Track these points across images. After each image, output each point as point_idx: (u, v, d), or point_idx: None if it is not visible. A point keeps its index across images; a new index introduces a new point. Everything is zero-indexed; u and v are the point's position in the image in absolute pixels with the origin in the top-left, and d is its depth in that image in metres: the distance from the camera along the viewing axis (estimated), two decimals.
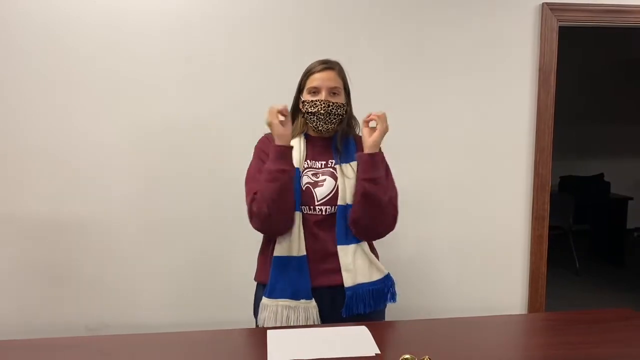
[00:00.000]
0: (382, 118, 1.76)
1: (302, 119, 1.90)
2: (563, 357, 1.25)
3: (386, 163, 1.87)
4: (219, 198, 2.54)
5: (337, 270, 1.78)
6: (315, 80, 1.83)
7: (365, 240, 1.86)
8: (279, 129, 1.72)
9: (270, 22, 2.54)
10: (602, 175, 5.89)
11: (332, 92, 1.83)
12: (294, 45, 2.55)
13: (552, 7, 2.63)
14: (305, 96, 1.86)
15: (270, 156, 1.74)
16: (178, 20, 2.49)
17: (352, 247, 1.80)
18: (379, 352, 1.26)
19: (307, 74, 1.87)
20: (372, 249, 1.90)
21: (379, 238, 1.88)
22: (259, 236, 1.87)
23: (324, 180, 1.83)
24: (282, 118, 1.73)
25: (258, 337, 1.34)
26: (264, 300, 1.77)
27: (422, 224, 2.71)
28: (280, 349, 1.30)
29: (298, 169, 1.82)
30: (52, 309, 2.53)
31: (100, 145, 2.49)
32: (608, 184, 5.79)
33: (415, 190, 2.66)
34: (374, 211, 1.77)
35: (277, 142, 1.72)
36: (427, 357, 1.15)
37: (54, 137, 2.47)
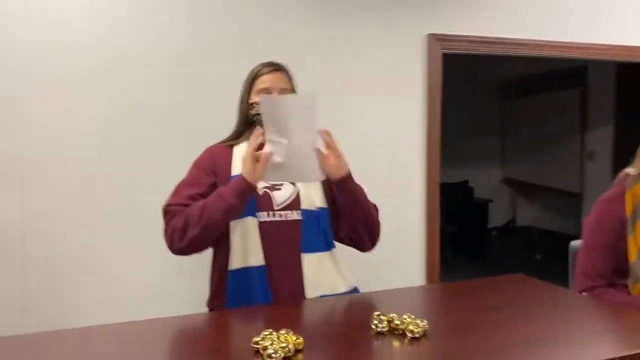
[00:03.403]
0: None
1: (249, 131, 1.75)
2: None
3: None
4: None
5: (300, 282, 1.67)
6: (266, 81, 1.75)
7: (363, 250, 1.79)
8: (250, 166, 1.56)
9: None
10: (467, 181, 6.60)
11: (283, 94, 1.74)
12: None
13: (437, 38, 3.09)
14: (255, 98, 1.75)
15: (231, 186, 1.60)
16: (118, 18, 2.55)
17: (317, 255, 1.69)
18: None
19: (255, 77, 1.78)
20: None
21: (374, 239, 1.79)
22: None
23: (282, 184, 1.73)
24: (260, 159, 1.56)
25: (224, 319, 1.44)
26: None
27: None
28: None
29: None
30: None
31: (42, 147, 2.46)
32: (472, 189, 6.54)
33: None
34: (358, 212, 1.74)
35: (245, 177, 1.57)
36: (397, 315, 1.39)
37: None
